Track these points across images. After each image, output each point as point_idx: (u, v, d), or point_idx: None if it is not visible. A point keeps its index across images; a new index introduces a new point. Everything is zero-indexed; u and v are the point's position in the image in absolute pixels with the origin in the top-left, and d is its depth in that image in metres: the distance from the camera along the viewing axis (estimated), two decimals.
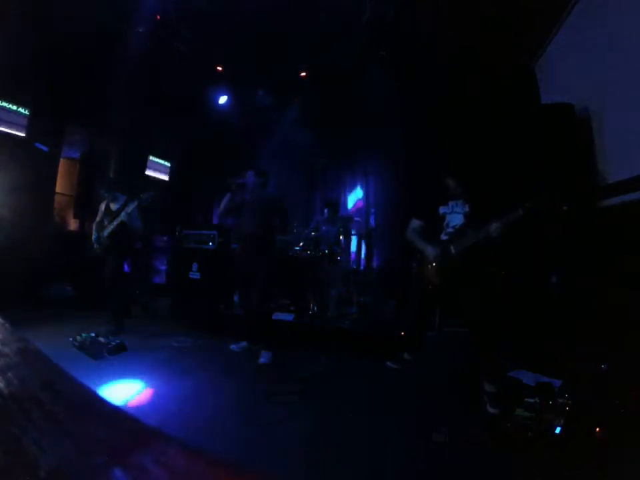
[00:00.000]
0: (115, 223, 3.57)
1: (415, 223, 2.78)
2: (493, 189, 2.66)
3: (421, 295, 2.77)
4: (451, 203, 2.61)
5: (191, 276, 4.42)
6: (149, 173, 6.11)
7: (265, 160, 5.56)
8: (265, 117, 5.56)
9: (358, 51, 4.37)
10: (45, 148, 4.56)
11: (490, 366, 2.37)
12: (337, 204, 5.21)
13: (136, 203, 3.53)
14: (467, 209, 2.54)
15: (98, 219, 3.81)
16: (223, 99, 5.33)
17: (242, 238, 3.31)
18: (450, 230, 2.56)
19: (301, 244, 4.28)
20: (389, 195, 5.47)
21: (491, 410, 2.23)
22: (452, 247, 2.48)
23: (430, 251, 2.56)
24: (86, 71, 4.46)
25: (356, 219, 5.25)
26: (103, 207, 3.83)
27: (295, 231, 4.47)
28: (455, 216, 2.57)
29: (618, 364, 2.40)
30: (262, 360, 3.02)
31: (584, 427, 1.95)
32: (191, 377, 2.69)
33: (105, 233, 3.63)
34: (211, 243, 4.49)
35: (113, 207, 3.72)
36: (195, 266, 4.42)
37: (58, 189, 4.85)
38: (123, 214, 3.54)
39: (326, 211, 4.66)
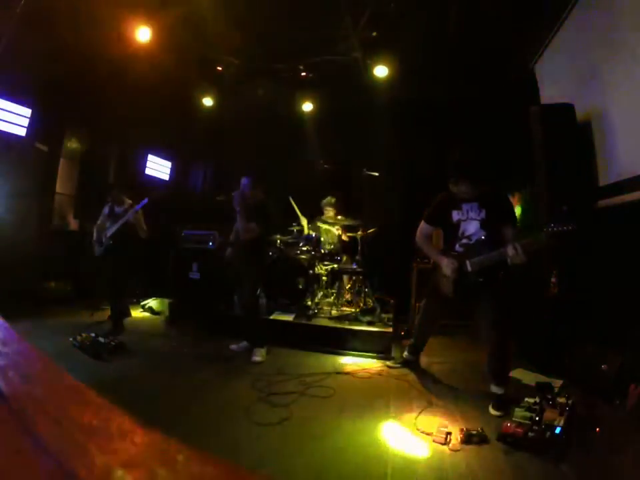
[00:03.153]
0: (120, 222, 3.57)
1: (427, 228, 2.61)
2: (502, 191, 2.55)
3: (433, 305, 2.74)
4: (464, 207, 2.44)
5: (190, 276, 4.42)
6: (149, 172, 6.10)
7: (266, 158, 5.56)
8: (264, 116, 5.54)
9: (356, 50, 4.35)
10: (45, 148, 4.56)
11: (501, 369, 2.37)
12: (335, 203, 5.19)
13: (145, 201, 3.52)
14: (483, 215, 2.39)
15: (99, 221, 3.78)
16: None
17: (234, 241, 3.37)
18: (465, 241, 2.44)
19: (301, 244, 4.27)
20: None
21: (493, 412, 2.22)
22: (468, 264, 2.34)
23: (446, 264, 2.40)
24: (86, 71, 4.45)
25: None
26: (106, 210, 3.81)
27: (295, 231, 4.47)
28: (470, 223, 2.42)
29: (618, 364, 2.40)
30: (253, 358, 3.04)
31: (584, 427, 1.95)
32: (191, 376, 2.70)
33: (108, 233, 3.62)
34: (210, 243, 4.49)
35: (117, 209, 3.72)
36: (194, 266, 4.42)
37: (58, 189, 4.85)
38: (129, 214, 3.54)
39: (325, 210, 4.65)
